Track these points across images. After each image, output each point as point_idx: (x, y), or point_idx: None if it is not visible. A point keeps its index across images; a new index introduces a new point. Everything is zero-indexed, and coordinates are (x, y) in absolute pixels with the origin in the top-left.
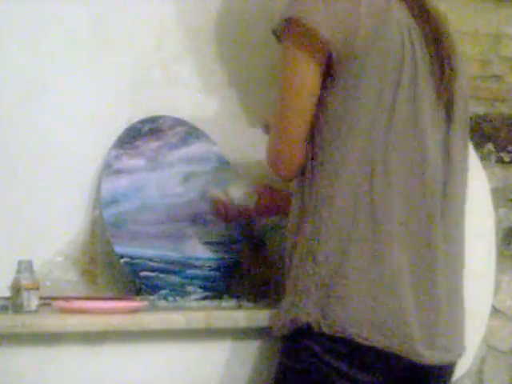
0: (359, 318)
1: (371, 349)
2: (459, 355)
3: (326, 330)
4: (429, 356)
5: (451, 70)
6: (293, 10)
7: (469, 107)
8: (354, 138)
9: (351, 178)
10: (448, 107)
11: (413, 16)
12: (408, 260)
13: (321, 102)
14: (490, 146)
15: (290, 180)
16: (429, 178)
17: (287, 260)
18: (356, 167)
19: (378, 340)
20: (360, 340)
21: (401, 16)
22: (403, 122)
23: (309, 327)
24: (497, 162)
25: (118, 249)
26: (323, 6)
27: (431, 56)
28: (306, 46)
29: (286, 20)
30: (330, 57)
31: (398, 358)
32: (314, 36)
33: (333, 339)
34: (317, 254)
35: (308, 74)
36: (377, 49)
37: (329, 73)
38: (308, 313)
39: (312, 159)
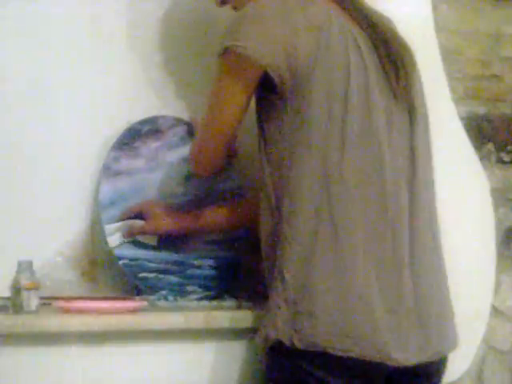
0: (329, 330)
1: (347, 358)
2: (437, 353)
3: (297, 344)
4: (402, 358)
5: (406, 71)
6: (229, 39)
7: (427, 107)
8: (308, 155)
9: (310, 194)
10: (410, 110)
11: (358, 24)
12: (373, 267)
13: (275, 123)
14: (490, 146)
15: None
16: (389, 184)
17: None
18: (314, 183)
19: (351, 349)
20: (333, 351)
21: (344, 26)
22: (357, 132)
23: (280, 344)
24: (497, 162)
25: (117, 250)
26: (259, 31)
27: (383, 61)
28: (238, 74)
29: (225, 49)
30: (271, 80)
31: (376, 364)
32: (250, 63)
33: (307, 354)
34: (284, 272)
35: (234, 103)
36: (320, 64)
37: (277, 94)
38: (277, 329)
39: (273, 179)
